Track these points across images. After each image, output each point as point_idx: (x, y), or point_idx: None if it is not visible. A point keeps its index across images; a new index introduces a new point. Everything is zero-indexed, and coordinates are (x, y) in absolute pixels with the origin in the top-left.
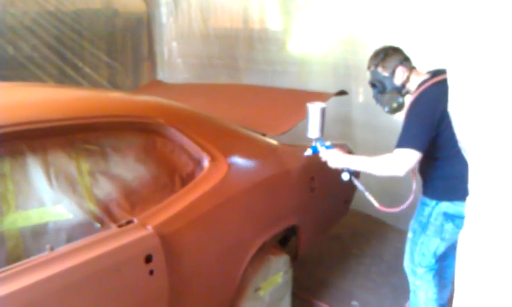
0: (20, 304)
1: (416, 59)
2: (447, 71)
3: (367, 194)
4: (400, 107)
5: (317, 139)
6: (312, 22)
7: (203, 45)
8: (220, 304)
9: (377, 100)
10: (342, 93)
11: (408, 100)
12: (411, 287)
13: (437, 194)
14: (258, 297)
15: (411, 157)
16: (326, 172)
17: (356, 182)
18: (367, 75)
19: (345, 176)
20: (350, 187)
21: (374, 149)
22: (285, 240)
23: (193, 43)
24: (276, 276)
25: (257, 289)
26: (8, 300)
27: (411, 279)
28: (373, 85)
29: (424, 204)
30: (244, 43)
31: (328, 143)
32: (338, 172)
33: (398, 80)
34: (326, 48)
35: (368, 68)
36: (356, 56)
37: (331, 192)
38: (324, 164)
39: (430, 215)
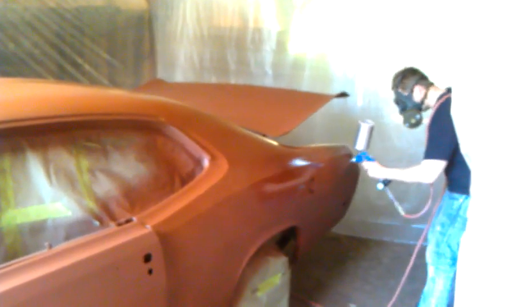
0: (18, 301)
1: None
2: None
3: (396, 203)
4: (418, 122)
5: (362, 151)
6: (309, 24)
7: (195, 45)
8: (218, 304)
9: (402, 117)
10: (342, 95)
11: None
12: (431, 275)
13: (466, 190)
14: (255, 298)
15: (437, 166)
16: (326, 174)
17: (388, 192)
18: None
19: (380, 186)
20: (349, 189)
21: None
22: (283, 242)
23: (186, 42)
24: (274, 277)
25: (255, 290)
26: (5, 297)
27: (432, 267)
28: (397, 103)
29: (453, 198)
30: (236, 43)
31: (370, 156)
32: (337, 174)
33: (417, 97)
34: (321, 51)
35: (392, 88)
36: (351, 61)
37: (330, 194)
38: (324, 166)
39: (459, 208)
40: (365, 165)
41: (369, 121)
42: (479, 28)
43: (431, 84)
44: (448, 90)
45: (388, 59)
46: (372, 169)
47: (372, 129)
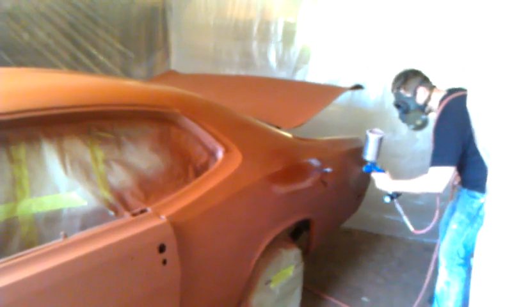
0: (33, 290)
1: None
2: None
3: (404, 217)
4: (424, 123)
5: (371, 162)
6: (319, 15)
7: (209, 36)
8: (231, 295)
9: (403, 120)
10: (357, 87)
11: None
12: (445, 278)
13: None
14: (268, 290)
15: (446, 173)
16: (340, 167)
17: (397, 206)
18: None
19: (387, 199)
20: (363, 182)
21: None
22: (296, 234)
23: (200, 33)
24: (287, 269)
25: (268, 282)
26: (20, 286)
27: (447, 269)
28: (398, 106)
29: (474, 197)
30: (247, 35)
31: (379, 166)
32: (351, 167)
33: (420, 99)
34: (330, 43)
35: (392, 90)
36: (362, 54)
37: (344, 187)
38: (337, 158)
39: (480, 208)
40: (374, 176)
41: (378, 130)
42: (498, 21)
43: (434, 87)
44: (450, 91)
45: (402, 51)
46: (380, 181)
47: (381, 140)
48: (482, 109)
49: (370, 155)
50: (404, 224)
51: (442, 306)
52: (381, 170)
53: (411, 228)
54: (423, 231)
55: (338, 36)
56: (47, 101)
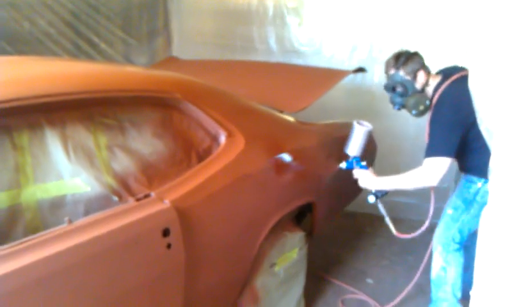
0: (38, 275)
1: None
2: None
3: (387, 219)
4: (426, 109)
5: (354, 157)
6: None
7: (210, 21)
8: (236, 278)
9: (395, 103)
10: (360, 70)
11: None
12: (441, 264)
13: (484, 173)
14: (273, 273)
15: (442, 165)
16: (342, 150)
17: (380, 207)
18: (385, 78)
19: (371, 199)
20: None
21: None
22: (300, 217)
23: (201, 19)
24: (291, 252)
25: (272, 264)
26: (26, 271)
27: (442, 255)
28: (392, 88)
29: (471, 181)
30: (245, 20)
31: (363, 163)
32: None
33: (419, 83)
34: (332, 26)
35: (387, 71)
36: (365, 36)
37: (347, 170)
38: (340, 142)
39: (477, 193)
40: (356, 173)
41: (366, 123)
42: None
43: (430, 72)
44: (444, 76)
45: (405, 32)
46: (364, 179)
47: (368, 133)
48: (486, 88)
49: (353, 148)
50: (406, 205)
51: (439, 290)
52: (364, 166)
53: (394, 231)
54: (408, 236)
55: (341, 19)
56: (49, 88)
